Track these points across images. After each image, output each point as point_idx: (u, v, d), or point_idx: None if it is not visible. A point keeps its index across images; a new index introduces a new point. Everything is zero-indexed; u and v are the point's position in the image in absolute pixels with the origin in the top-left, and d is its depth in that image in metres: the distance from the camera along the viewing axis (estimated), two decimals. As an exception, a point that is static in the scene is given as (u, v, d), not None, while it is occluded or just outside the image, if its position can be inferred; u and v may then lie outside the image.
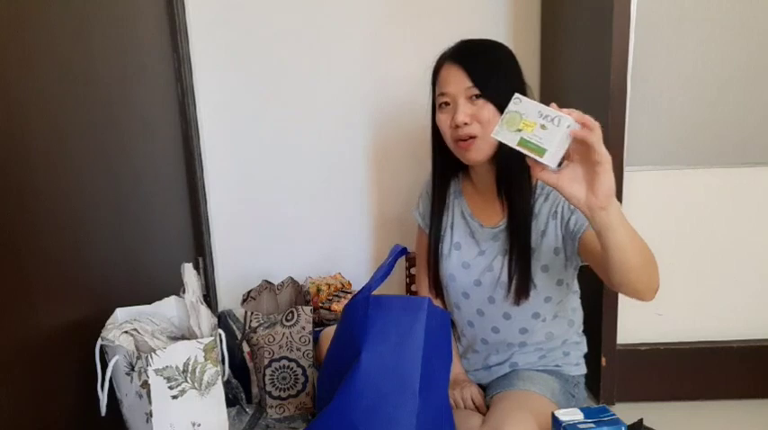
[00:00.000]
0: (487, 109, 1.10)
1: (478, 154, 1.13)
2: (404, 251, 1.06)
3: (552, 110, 0.85)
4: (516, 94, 0.91)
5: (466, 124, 1.11)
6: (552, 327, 1.24)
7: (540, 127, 0.85)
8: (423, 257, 1.34)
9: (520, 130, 0.86)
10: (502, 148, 1.08)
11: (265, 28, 1.85)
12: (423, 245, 1.35)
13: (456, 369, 1.29)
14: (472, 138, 1.12)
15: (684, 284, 1.51)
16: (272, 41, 1.86)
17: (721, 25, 1.39)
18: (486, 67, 1.12)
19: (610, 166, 0.84)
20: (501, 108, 1.06)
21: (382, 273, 1.01)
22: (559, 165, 0.86)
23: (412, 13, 1.84)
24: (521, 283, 1.16)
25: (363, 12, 1.84)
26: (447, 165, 1.24)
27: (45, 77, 1.09)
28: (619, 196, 1.41)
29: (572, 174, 0.87)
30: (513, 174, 1.13)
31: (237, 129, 1.92)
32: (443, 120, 1.16)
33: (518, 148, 0.87)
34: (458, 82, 1.12)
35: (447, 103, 1.15)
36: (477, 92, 1.10)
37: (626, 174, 1.44)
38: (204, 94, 1.88)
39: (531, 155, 0.85)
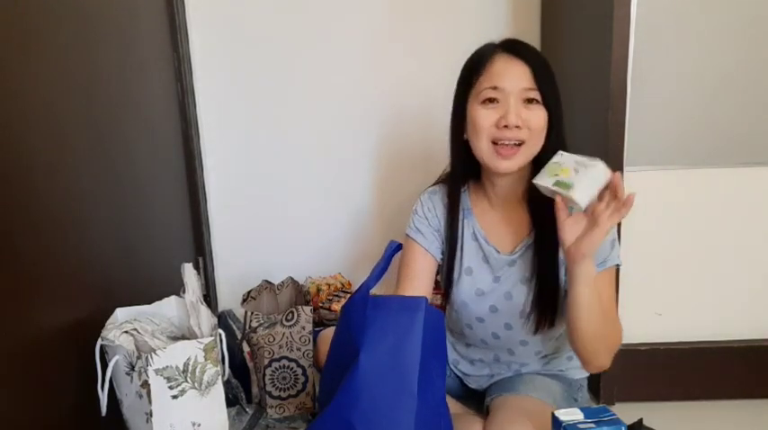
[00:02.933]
0: (541, 116, 1.02)
1: (517, 162, 1.04)
2: (399, 247, 1.05)
3: (588, 159, 0.97)
4: (560, 151, 1.01)
5: (517, 127, 1.01)
6: (563, 343, 1.22)
7: (573, 170, 0.97)
8: (414, 273, 1.17)
9: (557, 175, 0.98)
10: (537, 158, 1.06)
11: (266, 27, 1.85)
12: (417, 261, 1.18)
13: None
14: (518, 145, 1.02)
15: (684, 284, 1.51)
16: (273, 40, 1.86)
17: (721, 26, 1.39)
18: (546, 71, 1.02)
19: (605, 235, 0.93)
20: (550, 118, 1.04)
21: (378, 270, 0.99)
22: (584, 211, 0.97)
23: (412, 12, 1.84)
24: (544, 315, 1.10)
25: (363, 11, 1.84)
26: (465, 170, 1.13)
27: (44, 77, 1.09)
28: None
29: (577, 221, 0.96)
30: None
31: (237, 129, 1.92)
32: (486, 116, 1.02)
33: (552, 188, 0.98)
34: (517, 78, 1.01)
35: (494, 99, 1.02)
36: (536, 95, 1.01)
37: (626, 174, 1.43)
38: (204, 94, 1.88)
39: (560, 190, 0.96)
